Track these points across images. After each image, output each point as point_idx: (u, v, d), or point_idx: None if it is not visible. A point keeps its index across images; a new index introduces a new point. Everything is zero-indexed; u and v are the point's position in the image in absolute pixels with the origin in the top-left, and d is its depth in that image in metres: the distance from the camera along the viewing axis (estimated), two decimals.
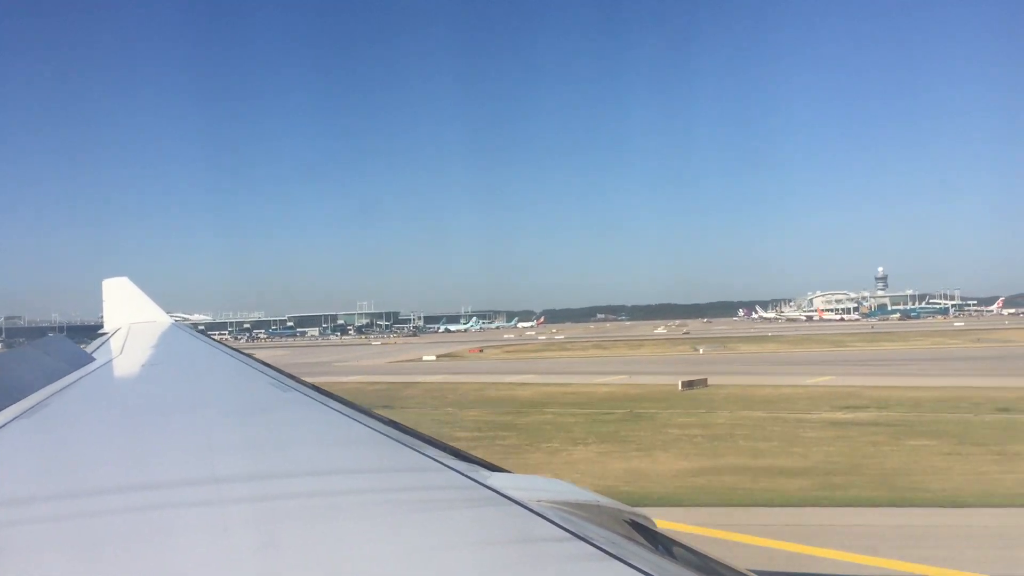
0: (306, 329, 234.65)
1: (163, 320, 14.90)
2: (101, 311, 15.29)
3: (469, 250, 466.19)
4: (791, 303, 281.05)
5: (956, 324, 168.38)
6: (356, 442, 3.80)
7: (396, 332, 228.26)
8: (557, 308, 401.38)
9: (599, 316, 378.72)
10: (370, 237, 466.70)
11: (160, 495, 2.77)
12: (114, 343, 11.61)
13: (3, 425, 4.31)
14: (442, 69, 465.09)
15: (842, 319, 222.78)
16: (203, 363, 9.00)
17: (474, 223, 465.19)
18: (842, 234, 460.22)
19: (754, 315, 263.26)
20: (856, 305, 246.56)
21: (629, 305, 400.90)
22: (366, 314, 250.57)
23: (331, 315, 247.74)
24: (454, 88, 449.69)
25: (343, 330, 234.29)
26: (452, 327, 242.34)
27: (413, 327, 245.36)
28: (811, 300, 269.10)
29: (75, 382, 6.61)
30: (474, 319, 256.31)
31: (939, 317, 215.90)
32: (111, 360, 9.25)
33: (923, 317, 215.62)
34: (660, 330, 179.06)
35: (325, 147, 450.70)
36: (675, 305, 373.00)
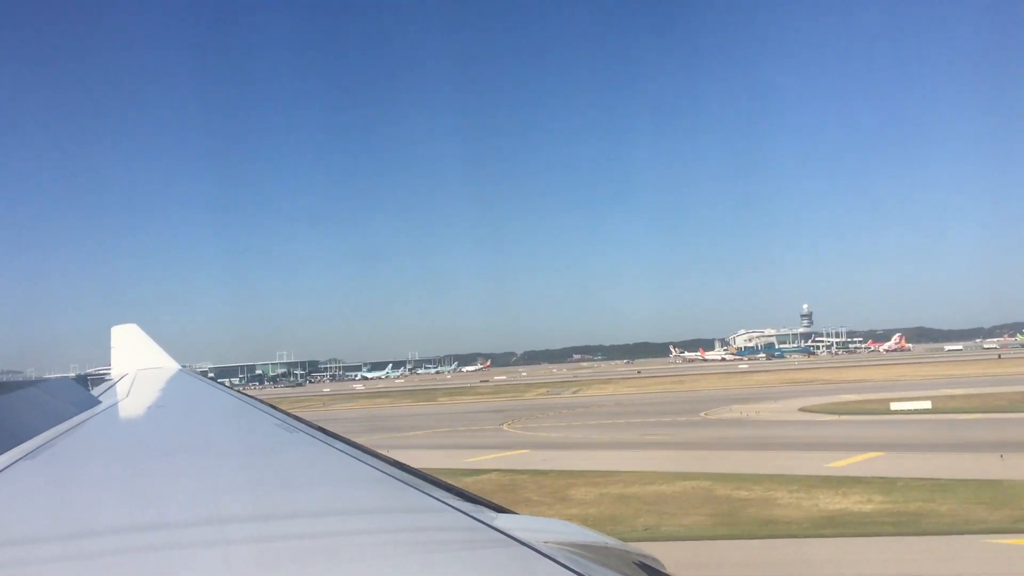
0: (225, 379, 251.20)
1: (170, 366, 15.02)
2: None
3: (449, 294, 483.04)
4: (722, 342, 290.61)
5: (743, 364, 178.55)
6: (362, 483, 3.82)
7: (312, 380, 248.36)
8: (538, 349, 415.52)
9: (575, 356, 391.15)
10: (352, 282, 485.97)
11: (164, 537, 2.81)
12: (120, 387, 11.75)
13: (8, 466, 4.33)
14: (415, 104, 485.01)
15: (723, 359, 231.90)
16: (209, 406, 9.13)
17: (454, 267, 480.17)
18: (822, 271, 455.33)
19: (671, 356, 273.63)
20: (725, 350, 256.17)
21: (607, 345, 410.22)
22: (283, 363, 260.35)
23: (249, 365, 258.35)
24: (428, 131, 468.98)
25: (260, 380, 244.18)
26: (369, 375, 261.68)
27: (329, 376, 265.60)
28: (735, 338, 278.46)
29: (80, 424, 6.70)
30: (390, 366, 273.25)
31: (806, 356, 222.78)
32: (117, 403, 9.43)
33: (787, 356, 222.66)
34: (500, 377, 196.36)
35: (291, 189, 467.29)
36: (650, 344, 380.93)
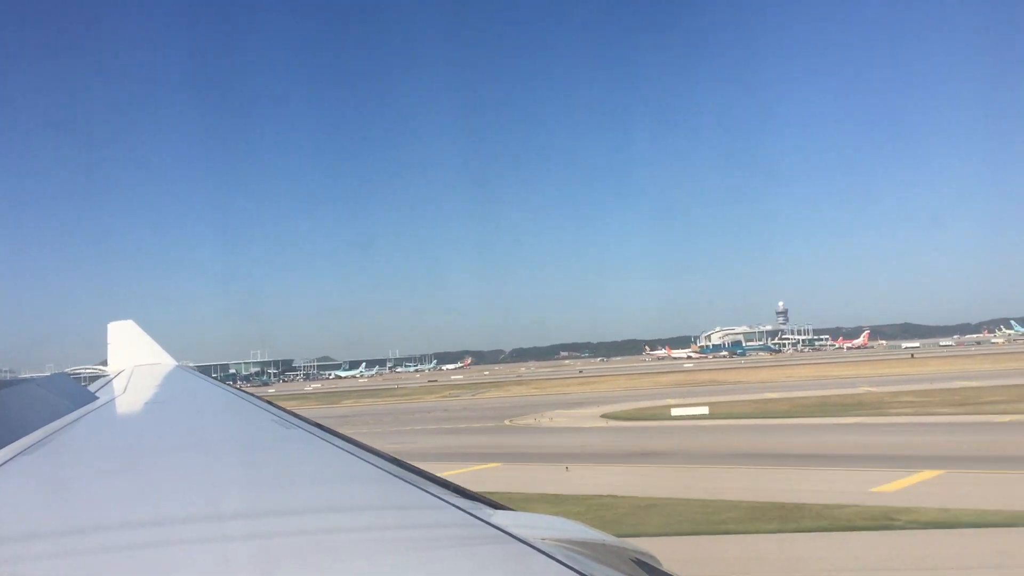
0: None
1: (167, 362, 15.17)
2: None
3: (440, 293, 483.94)
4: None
5: (688, 363, 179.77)
6: (359, 479, 3.82)
7: (285, 379, 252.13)
8: (526, 346, 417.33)
9: (562, 354, 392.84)
10: (344, 281, 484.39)
11: (161, 532, 2.80)
12: (117, 383, 11.84)
13: (5, 462, 4.32)
14: (407, 101, 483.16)
15: (688, 357, 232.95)
16: (206, 402, 9.17)
17: (444, 266, 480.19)
18: (812, 268, 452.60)
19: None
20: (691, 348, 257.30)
21: (595, 342, 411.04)
22: (257, 363, 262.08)
23: (223, 364, 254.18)
24: (420, 129, 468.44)
25: (233, 379, 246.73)
26: (344, 374, 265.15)
27: (303, 375, 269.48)
28: (710, 336, 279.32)
29: (78, 420, 6.70)
30: (363, 365, 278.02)
31: (770, 354, 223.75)
32: (114, 399, 9.49)
33: (749, 354, 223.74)
34: (457, 377, 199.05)
35: (285, 188, 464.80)
36: (638, 340, 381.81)
